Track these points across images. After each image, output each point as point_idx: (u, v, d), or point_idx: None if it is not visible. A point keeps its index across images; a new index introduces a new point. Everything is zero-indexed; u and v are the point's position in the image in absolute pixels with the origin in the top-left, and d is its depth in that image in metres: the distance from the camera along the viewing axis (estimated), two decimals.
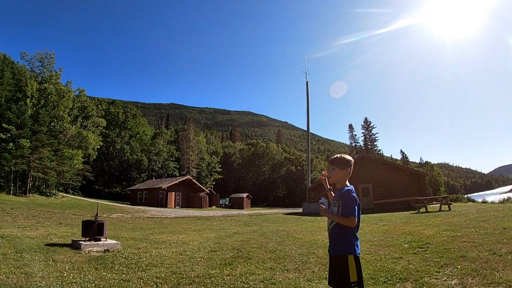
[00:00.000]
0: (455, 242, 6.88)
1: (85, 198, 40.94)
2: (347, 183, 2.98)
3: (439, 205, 17.69)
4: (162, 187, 42.74)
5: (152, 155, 68.16)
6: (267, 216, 21.51)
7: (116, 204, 32.77)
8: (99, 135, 51.43)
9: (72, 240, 7.35)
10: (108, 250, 6.80)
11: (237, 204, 55.05)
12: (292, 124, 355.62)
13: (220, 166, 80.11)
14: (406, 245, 7.29)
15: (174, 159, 72.26)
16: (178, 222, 15.73)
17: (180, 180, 46.58)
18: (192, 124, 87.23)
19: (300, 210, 33.79)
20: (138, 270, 5.35)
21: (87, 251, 6.59)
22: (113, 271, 5.22)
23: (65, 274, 4.96)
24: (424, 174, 29.31)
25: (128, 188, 52.79)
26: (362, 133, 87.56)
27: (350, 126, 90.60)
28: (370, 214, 18.71)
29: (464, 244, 6.58)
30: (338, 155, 3.05)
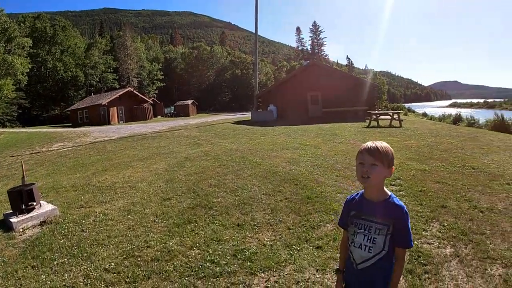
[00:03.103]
0: (427, 181, 6.53)
1: (24, 130, 36.72)
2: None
3: (390, 120, 17.82)
4: (103, 103, 39.88)
5: (88, 69, 62.41)
6: (215, 127, 20.62)
7: (57, 130, 29.78)
8: (26, 57, 45.13)
9: (3, 215, 5.89)
10: (45, 222, 5.51)
11: (182, 112, 53.66)
12: (236, 25, 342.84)
13: (162, 73, 76.01)
14: None
15: (112, 70, 67.02)
16: (123, 146, 14.18)
17: (121, 93, 43.63)
18: (129, 29, 79.35)
19: (247, 115, 33.40)
20: (82, 259, 4.15)
21: (21, 230, 5.27)
22: (53, 269, 3.96)
23: None
24: (374, 85, 29.45)
25: (67, 109, 48.95)
26: (310, 37, 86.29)
27: (298, 29, 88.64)
28: (321, 125, 18.63)
29: (438, 186, 6.24)
30: (382, 145, 1.96)
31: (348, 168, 7.93)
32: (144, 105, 45.86)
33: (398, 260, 1.99)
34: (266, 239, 4.43)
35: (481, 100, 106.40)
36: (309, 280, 3.47)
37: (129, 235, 4.72)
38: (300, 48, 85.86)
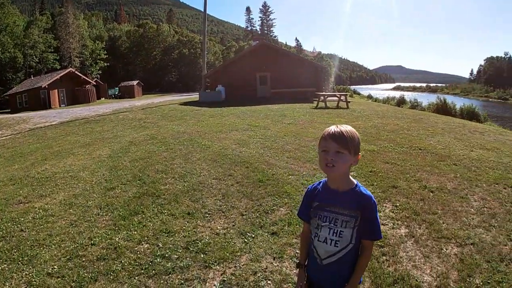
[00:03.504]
0: (377, 162, 6.61)
1: None
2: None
3: (337, 101, 18.12)
4: (43, 86, 36.87)
5: (27, 49, 56.96)
6: (162, 109, 19.79)
7: None
8: None
9: None
10: None
11: (127, 93, 51.37)
12: (184, 2, 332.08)
13: (105, 52, 71.32)
14: None
15: (53, 50, 61.89)
16: (64, 132, 13.07)
17: (62, 74, 40.53)
18: (71, 5, 73.17)
19: (195, 95, 32.66)
20: (23, 263, 3.56)
21: None
22: None
23: None
24: (321, 67, 29.82)
25: (5, 94, 44.71)
26: (260, 17, 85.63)
27: (248, 9, 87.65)
28: (270, 105, 18.62)
29: (388, 167, 6.33)
30: (347, 129, 1.75)
31: (298, 149, 7.87)
32: (86, 86, 43.17)
33: (365, 252, 1.83)
34: (218, 227, 4.20)
35: (424, 85, 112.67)
36: (266, 270, 3.30)
37: (72, 232, 4.22)
38: (249, 29, 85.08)
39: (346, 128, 1.74)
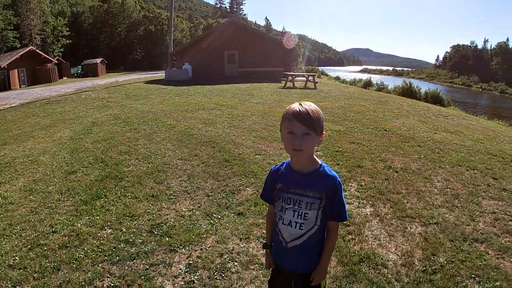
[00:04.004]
0: (343, 142, 6.67)
1: None
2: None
3: (305, 81, 18.14)
4: (2, 66, 34.41)
5: None
6: (126, 87, 19.13)
7: None
8: None
9: None
10: None
11: (91, 72, 49.16)
12: None
13: (68, 29, 67.54)
14: None
15: (13, 28, 58.08)
16: (24, 114, 12.24)
17: (22, 53, 37.82)
18: None
19: (159, 74, 31.86)
20: None
21: None
22: None
23: None
24: (291, 48, 29.64)
25: None
26: None
27: None
28: (238, 85, 18.47)
29: (353, 147, 6.40)
30: (311, 108, 1.62)
31: (265, 128, 7.84)
32: (48, 65, 40.82)
33: (331, 234, 1.79)
34: (184, 209, 4.11)
35: (391, 68, 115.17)
36: (233, 251, 3.26)
37: (33, 220, 3.98)
38: (218, 6, 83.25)
39: (310, 106, 1.63)
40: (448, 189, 4.59)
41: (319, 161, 1.74)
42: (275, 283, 2.03)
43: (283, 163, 1.85)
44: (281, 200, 1.78)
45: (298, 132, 1.60)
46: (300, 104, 1.64)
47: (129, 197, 4.46)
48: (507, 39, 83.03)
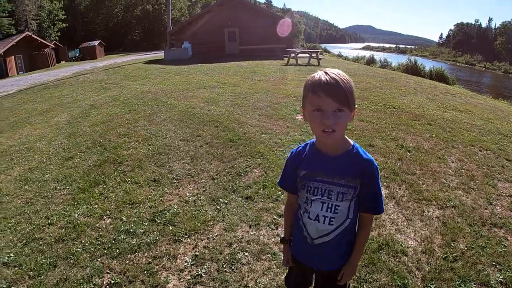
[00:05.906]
0: (352, 120, 6.33)
1: None
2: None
3: (308, 58, 17.69)
4: None
5: None
6: (125, 68, 18.70)
7: None
8: None
9: None
10: None
11: (89, 55, 48.56)
12: None
13: (63, 12, 66.34)
14: (300, 117, 6.53)
15: (7, 14, 56.97)
16: (21, 101, 11.87)
17: (18, 39, 37.10)
18: None
19: (159, 54, 31.29)
20: None
21: None
22: None
23: None
24: (293, 24, 28.96)
25: None
26: None
27: None
28: (239, 62, 18.06)
29: (363, 125, 6.12)
30: (340, 78, 1.29)
31: (270, 106, 7.57)
32: (45, 50, 40.24)
33: (364, 227, 1.52)
34: (188, 194, 3.85)
35: (393, 46, 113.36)
36: (242, 240, 3.01)
37: (28, 212, 3.72)
38: None
39: (339, 75, 1.30)
40: (463, 170, 4.34)
41: (351, 141, 1.45)
42: (294, 280, 1.79)
43: (306, 144, 1.54)
44: (305, 190, 1.48)
45: (327, 108, 1.28)
46: (326, 72, 1.31)
47: (129, 182, 4.21)
48: None
